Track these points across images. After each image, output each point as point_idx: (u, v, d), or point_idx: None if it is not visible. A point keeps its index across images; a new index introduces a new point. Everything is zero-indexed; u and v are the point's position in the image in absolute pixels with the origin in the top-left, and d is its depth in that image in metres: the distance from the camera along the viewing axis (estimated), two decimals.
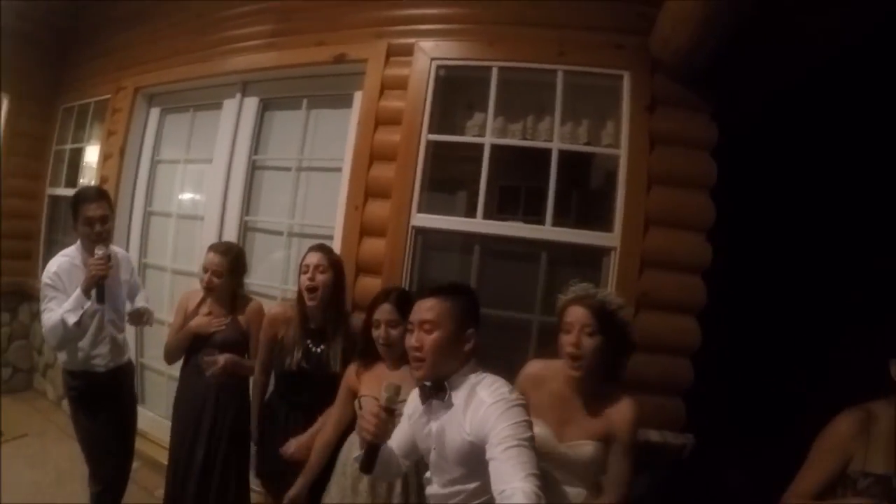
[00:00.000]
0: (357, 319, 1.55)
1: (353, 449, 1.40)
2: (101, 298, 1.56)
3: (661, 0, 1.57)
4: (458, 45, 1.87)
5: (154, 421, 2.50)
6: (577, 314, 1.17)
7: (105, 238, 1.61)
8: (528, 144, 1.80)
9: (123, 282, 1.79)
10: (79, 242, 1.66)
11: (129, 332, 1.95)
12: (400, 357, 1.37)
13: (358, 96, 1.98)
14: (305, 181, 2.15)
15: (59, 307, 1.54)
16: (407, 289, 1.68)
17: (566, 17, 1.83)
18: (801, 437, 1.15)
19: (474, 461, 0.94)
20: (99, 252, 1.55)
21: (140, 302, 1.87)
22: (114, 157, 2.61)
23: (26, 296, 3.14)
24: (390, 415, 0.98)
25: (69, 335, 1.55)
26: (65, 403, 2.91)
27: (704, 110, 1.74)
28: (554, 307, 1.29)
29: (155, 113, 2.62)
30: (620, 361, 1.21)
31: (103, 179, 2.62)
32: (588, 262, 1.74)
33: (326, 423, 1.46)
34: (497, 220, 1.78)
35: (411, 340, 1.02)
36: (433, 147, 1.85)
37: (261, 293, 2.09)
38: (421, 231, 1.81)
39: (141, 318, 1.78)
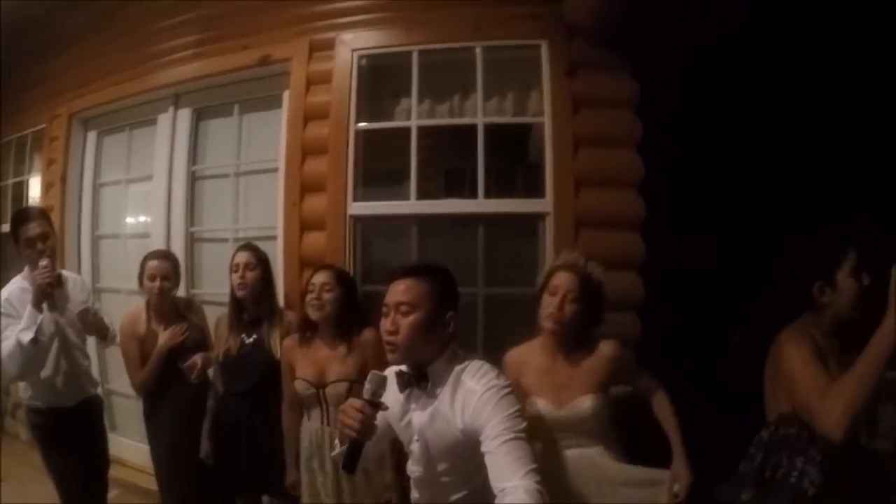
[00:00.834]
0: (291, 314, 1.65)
1: (309, 436, 1.47)
2: (52, 307, 1.57)
3: None
4: (377, 33, 1.94)
5: (129, 446, 2.51)
6: (563, 279, 1.26)
7: (49, 255, 1.61)
8: (452, 122, 1.88)
9: (80, 303, 1.76)
10: (26, 269, 1.66)
11: (93, 360, 1.96)
12: (334, 331, 1.47)
13: (287, 95, 2.04)
14: (245, 186, 2.21)
15: (12, 330, 1.54)
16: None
17: None
18: None
19: (463, 454, 0.94)
20: (42, 262, 1.55)
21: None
22: (56, 185, 2.63)
23: None
24: (375, 409, 0.90)
25: (28, 356, 1.54)
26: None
27: (624, 69, 1.83)
28: (495, 278, 1.37)
29: (92, 136, 2.65)
30: (591, 331, 1.31)
31: (48, 209, 2.62)
32: (524, 229, 1.81)
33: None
34: (431, 200, 1.84)
35: (386, 324, 0.96)
36: (363, 136, 1.92)
37: (213, 301, 2.13)
38: (359, 219, 1.87)
39: (87, 315, 1.72)
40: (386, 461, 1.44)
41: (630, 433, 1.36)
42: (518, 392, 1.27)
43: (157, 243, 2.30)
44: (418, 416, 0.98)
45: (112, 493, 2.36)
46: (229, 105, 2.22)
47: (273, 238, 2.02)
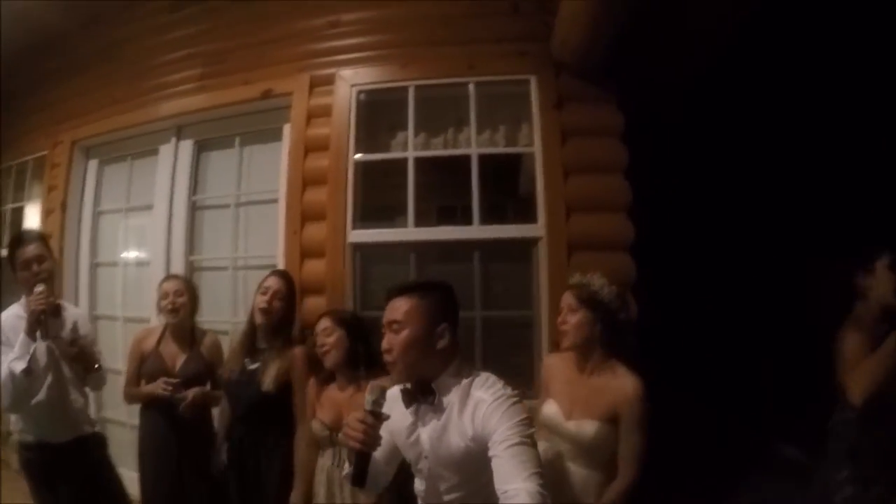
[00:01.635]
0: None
1: (324, 471, 1.50)
2: (45, 334, 1.55)
3: (557, 8, 1.82)
4: (375, 69, 2.09)
5: (127, 476, 2.52)
6: (564, 299, 1.42)
7: (45, 278, 1.60)
8: (447, 153, 2.01)
9: (82, 336, 1.70)
10: (23, 297, 1.65)
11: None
12: (345, 373, 1.52)
13: (287, 128, 2.16)
14: (245, 215, 2.31)
15: (5, 357, 1.52)
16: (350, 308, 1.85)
17: (473, 32, 2.08)
18: None
19: (474, 466, 0.95)
20: (38, 288, 1.54)
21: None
22: (55, 211, 2.71)
23: None
24: (377, 419, 0.94)
25: (20, 387, 1.50)
26: None
27: (609, 101, 1.98)
28: (492, 302, 1.53)
29: (93, 165, 2.75)
30: (614, 335, 1.37)
31: (47, 235, 2.70)
32: (518, 254, 1.92)
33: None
34: (427, 227, 1.96)
35: (383, 343, 1.00)
36: (361, 167, 2.04)
37: (211, 329, 2.19)
38: (358, 247, 1.98)
39: (73, 342, 1.63)
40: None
41: None
42: (545, 393, 1.46)
43: (158, 271, 2.38)
44: (427, 432, 1.01)
45: None
46: (230, 137, 2.34)
47: (272, 266, 2.10)
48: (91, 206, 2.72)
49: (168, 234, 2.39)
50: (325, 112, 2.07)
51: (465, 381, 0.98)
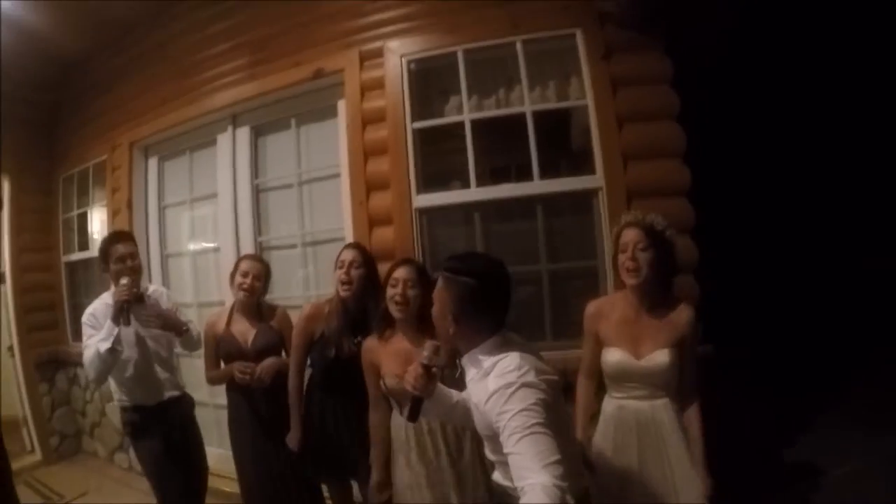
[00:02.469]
0: None
1: (395, 427, 1.53)
2: (126, 321, 1.78)
3: None
4: (421, 38, 2.19)
5: (207, 451, 2.78)
6: (630, 234, 1.44)
7: (135, 271, 1.86)
8: (502, 113, 2.10)
9: (165, 310, 1.94)
10: (112, 288, 1.84)
11: None
12: (417, 326, 1.50)
13: (341, 104, 2.30)
14: (308, 193, 2.47)
15: (93, 339, 1.79)
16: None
17: None
18: None
19: (491, 443, 1.05)
20: (123, 281, 1.78)
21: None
22: (122, 211, 2.94)
23: (61, 363, 3.48)
24: (427, 371, 1.05)
25: (105, 363, 1.76)
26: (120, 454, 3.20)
27: (656, 48, 2.03)
28: (557, 254, 1.55)
29: (153, 162, 2.96)
30: (670, 277, 1.47)
31: None
32: (579, 206, 2.03)
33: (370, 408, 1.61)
34: (489, 187, 2.07)
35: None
36: (419, 134, 2.16)
37: (284, 305, 2.37)
38: (424, 211, 2.11)
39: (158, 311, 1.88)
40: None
41: None
42: (594, 341, 1.53)
43: (228, 256, 2.58)
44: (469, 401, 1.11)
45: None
46: (286, 119, 2.49)
47: (341, 239, 2.27)
48: (156, 202, 2.94)
49: (235, 218, 2.58)
50: (378, 84, 2.19)
51: (491, 362, 1.02)
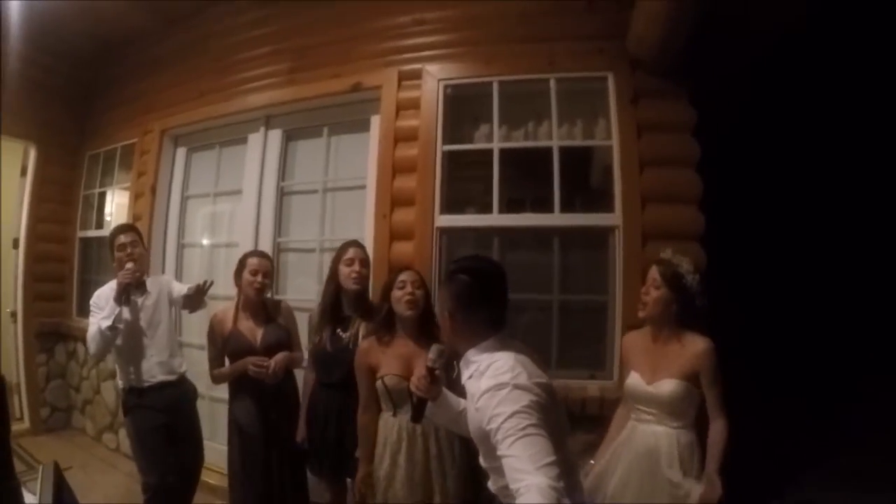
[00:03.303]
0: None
1: (386, 426, 1.60)
2: (127, 301, 1.97)
3: (633, 4, 2.02)
4: (460, 65, 2.34)
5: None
6: (651, 271, 1.63)
7: (135, 259, 2.04)
8: (531, 145, 2.25)
9: (157, 294, 2.13)
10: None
11: None
12: (419, 329, 1.62)
13: (375, 120, 2.44)
14: (332, 200, 2.60)
15: (97, 319, 1.98)
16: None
17: (551, 30, 2.30)
18: None
19: (483, 445, 1.06)
20: (128, 265, 1.99)
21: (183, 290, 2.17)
22: (145, 195, 3.08)
23: (62, 336, 3.58)
24: (432, 374, 1.13)
25: (106, 339, 1.94)
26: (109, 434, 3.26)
27: (682, 97, 2.17)
28: (570, 286, 1.78)
29: (181, 152, 3.10)
30: (689, 313, 1.58)
31: (136, 217, 3.08)
32: (595, 242, 2.15)
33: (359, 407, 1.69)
34: (511, 214, 2.20)
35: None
36: (448, 157, 2.30)
37: (295, 308, 2.45)
38: (445, 231, 2.24)
39: (196, 294, 2.09)
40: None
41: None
42: (623, 367, 1.70)
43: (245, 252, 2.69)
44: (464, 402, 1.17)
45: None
46: (319, 127, 2.64)
47: None
48: (179, 191, 3.07)
49: (257, 216, 2.71)
50: (413, 105, 2.34)
51: (486, 363, 1.05)
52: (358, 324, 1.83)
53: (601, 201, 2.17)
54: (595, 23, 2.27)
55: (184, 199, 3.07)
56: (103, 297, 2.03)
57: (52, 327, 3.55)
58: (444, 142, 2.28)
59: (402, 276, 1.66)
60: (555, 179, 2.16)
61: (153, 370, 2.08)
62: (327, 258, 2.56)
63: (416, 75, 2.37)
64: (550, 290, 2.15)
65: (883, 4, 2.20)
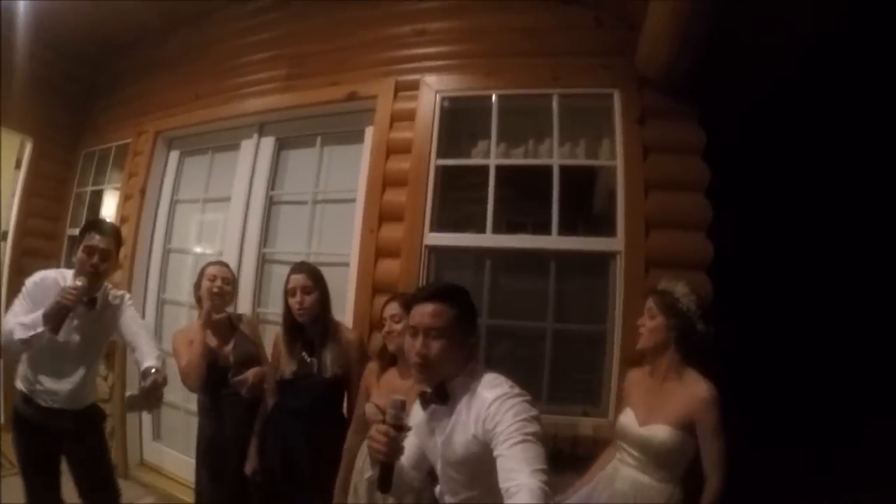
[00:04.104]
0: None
1: (362, 454, 1.59)
2: (55, 329, 1.58)
3: (642, 23, 1.98)
4: (459, 77, 2.32)
5: (171, 457, 2.81)
6: (648, 301, 1.58)
7: (98, 273, 1.69)
8: (529, 163, 2.19)
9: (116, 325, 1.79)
10: (74, 271, 1.72)
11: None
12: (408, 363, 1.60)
13: (369, 131, 2.42)
14: (321, 213, 2.57)
15: (19, 315, 1.63)
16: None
17: (557, 45, 2.27)
18: None
19: (480, 466, 1.03)
20: (77, 282, 1.61)
21: (149, 361, 1.69)
22: (134, 197, 3.07)
23: None
24: (399, 432, 1.02)
25: (13, 348, 1.61)
26: None
27: (691, 118, 2.11)
28: (566, 314, 1.69)
29: (174, 155, 3.11)
30: (690, 345, 1.49)
31: (124, 219, 3.08)
32: (594, 268, 2.07)
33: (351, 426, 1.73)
34: (505, 235, 2.13)
35: (416, 346, 1.09)
36: (442, 172, 2.25)
37: (279, 322, 2.42)
38: (434, 250, 2.18)
39: (152, 389, 1.61)
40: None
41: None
42: (623, 404, 1.60)
43: (230, 261, 2.65)
44: (440, 435, 1.12)
45: (148, 500, 2.60)
46: (312, 136, 2.62)
47: (345, 265, 2.34)
48: (169, 195, 3.06)
49: (244, 225, 2.68)
50: (409, 116, 2.31)
51: (475, 382, 1.09)
52: (324, 347, 1.79)
53: (603, 225, 2.10)
54: (603, 40, 2.24)
55: (173, 203, 3.06)
56: (40, 290, 1.68)
57: None
58: (439, 156, 2.24)
59: (388, 311, 1.69)
60: (554, 200, 2.09)
61: (60, 396, 1.75)
62: None
63: (414, 86, 2.35)
64: (545, 318, 2.07)
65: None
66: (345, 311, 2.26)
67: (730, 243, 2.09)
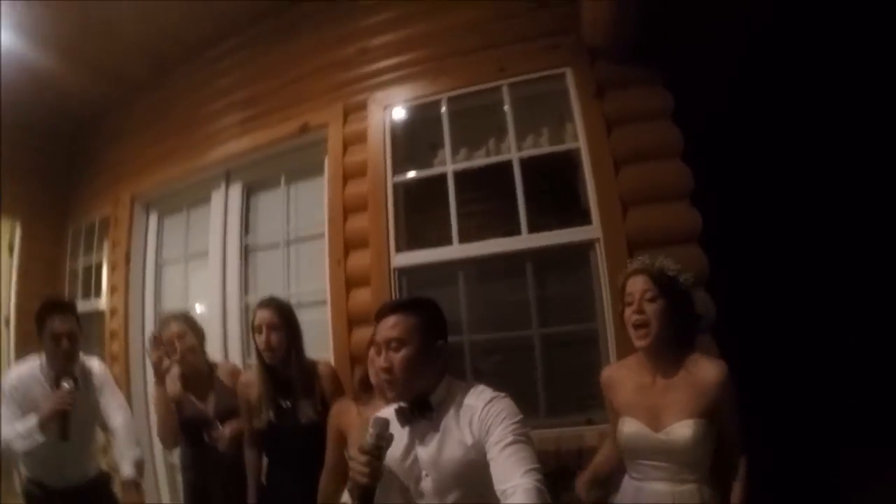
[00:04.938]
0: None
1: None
2: (64, 434, 1.63)
3: None
4: (407, 87, 2.30)
5: None
6: (636, 283, 1.33)
7: (72, 358, 1.74)
8: (487, 162, 2.14)
9: (99, 402, 1.85)
10: (43, 357, 1.77)
11: None
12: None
13: (328, 161, 2.41)
14: (295, 253, 2.58)
15: (10, 424, 1.67)
16: None
17: (501, 35, 2.23)
18: None
19: (478, 474, 1.02)
20: (65, 385, 1.65)
21: (126, 469, 1.79)
22: (120, 265, 3.18)
23: None
24: (381, 452, 1.02)
25: (14, 457, 1.71)
26: None
27: (653, 82, 2.01)
28: (551, 317, 1.49)
29: (153, 218, 3.22)
30: (690, 330, 1.34)
31: (113, 289, 3.19)
32: (575, 261, 1.97)
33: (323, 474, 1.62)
34: (473, 243, 2.06)
35: (379, 361, 1.10)
36: (402, 190, 2.22)
37: None
38: (403, 271, 2.14)
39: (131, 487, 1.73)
40: None
41: None
42: (611, 412, 1.43)
43: (214, 313, 2.71)
44: (424, 451, 1.10)
45: None
46: (276, 176, 2.66)
47: (324, 302, 2.32)
48: (154, 258, 3.16)
49: (223, 277, 2.72)
50: (361, 138, 2.31)
51: (457, 393, 1.11)
52: (300, 389, 1.73)
53: (575, 214, 2.00)
54: (547, 20, 2.19)
55: (158, 266, 3.16)
56: (21, 390, 1.72)
57: None
58: (395, 173, 2.22)
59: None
60: (518, 196, 2.02)
61: (65, 478, 1.82)
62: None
63: (363, 106, 2.35)
64: (529, 325, 1.98)
65: None
66: (329, 350, 2.24)
67: (720, 213, 1.95)
